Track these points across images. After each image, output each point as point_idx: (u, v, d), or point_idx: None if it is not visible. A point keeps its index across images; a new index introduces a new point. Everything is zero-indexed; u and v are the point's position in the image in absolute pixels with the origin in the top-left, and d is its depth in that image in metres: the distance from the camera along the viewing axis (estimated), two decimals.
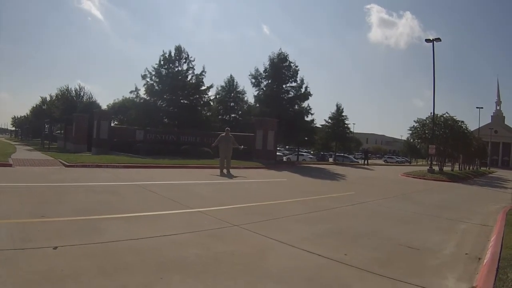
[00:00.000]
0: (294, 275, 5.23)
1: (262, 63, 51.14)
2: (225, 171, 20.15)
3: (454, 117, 35.83)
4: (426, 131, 34.99)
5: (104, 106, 54.31)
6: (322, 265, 5.75)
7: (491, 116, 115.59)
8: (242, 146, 21.67)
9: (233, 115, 50.03)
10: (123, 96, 58.60)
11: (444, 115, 35.80)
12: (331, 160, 59.74)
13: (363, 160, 59.12)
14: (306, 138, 43.53)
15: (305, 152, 64.24)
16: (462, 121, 36.30)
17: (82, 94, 55.03)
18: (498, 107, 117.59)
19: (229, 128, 22.43)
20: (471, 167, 53.45)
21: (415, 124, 36.44)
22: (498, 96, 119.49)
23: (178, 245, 6.30)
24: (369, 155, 64.11)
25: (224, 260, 5.67)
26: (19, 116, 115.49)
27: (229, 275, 5.07)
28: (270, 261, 5.78)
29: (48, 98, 65.97)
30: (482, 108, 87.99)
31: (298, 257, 6.10)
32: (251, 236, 7.27)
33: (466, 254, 6.83)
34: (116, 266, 5.05)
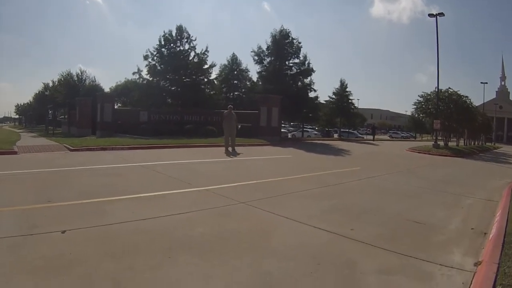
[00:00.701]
0: (300, 251, 5.25)
1: (263, 41, 50.78)
2: (230, 149, 20.17)
3: (458, 92, 35.63)
4: (430, 106, 34.80)
5: (106, 89, 54.33)
6: (328, 241, 5.78)
7: (496, 91, 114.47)
8: (240, 126, 21.59)
9: (236, 93, 50.06)
10: (125, 78, 58.60)
11: (448, 90, 35.59)
12: (336, 136, 59.68)
13: (371, 136, 59.20)
14: (310, 115, 43.43)
15: (310, 128, 64.11)
16: (467, 96, 36.01)
17: (84, 78, 55.05)
18: (503, 83, 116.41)
19: (232, 106, 22.43)
20: (476, 143, 53.22)
21: (420, 99, 36.20)
22: (503, 71, 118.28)
23: (185, 224, 6.34)
24: (375, 130, 64.13)
25: (230, 238, 5.71)
26: (22, 104, 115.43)
27: (236, 253, 5.11)
28: (276, 238, 5.81)
29: (51, 84, 66.01)
30: (486, 83, 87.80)
31: (304, 233, 6.13)
32: (257, 213, 7.31)
33: (472, 229, 6.83)
34: (124, 248, 5.10)
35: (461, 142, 44.45)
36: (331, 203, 8.46)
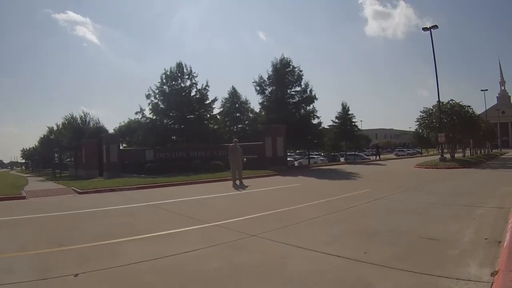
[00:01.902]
0: (316, 279, 5.24)
1: (262, 70, 51.75)
2: (237, 182, 20.18)
3: (460, 103, 35.73)
4: (434, 120, 34.87)
5: (111, 130, 54.63)
6: (343, 266, 5.76)
7: (497, 97, 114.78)
8: (245, 159, 21.70)
9: (240, 126, 50.22)
10: (128, 118, 58.98)
11: (450, 102, 35.70)
12: (342, 160, 59.69)
13: (375, 156, 59.33)
14: (315, 141, 43.56)
15: (316, 154, 64.17)
16: (469, 106, 36.25)
17: (88, 120, 55.55)
18: (502, 87, 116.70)
19: (236, 139, 22.60)
20: (482, 151, 53.19)
21: (422, 114, 36.34)
22: (502, 76, 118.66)
23: (198, 260, 6.33)
24: (380, 150, 64.28)
25: (244, 271, 5.70)
26: (28, 148, 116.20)
27: (251, 285, 5.11)
28: (290, 268, 5.80)
29: (55, 128, 66.75)
30: (486, 90, 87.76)
31: (318, 260, 6.11)
32: (269, 245, 7.29)
33: (485, 239, 6.79)
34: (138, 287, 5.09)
35: (467, 152, 44.36)
36: (343, 228, 8.44)
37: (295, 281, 5.17)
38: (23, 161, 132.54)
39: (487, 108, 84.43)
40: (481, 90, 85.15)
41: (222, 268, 5.85)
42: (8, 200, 15.43)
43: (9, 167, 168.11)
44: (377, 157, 57.92)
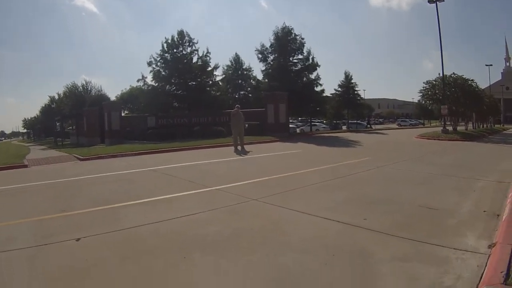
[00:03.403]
0: (314, 243, 5.29)
1: (264, 39, 51.24)
2: (239, 147, 20.21)
3: (463, 76, 35.48)
4: (437, 92, 34.69)
5: (112, 98, 54.06)
6: (342, 232, 5.82)
7: (501, 73, 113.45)
8: (247, 125, 21.58)
9: (242, 93, 50.17)
10: (130, 85, 58.95)
11: (453, 75, 35.44)
12: (344, 128, 59.69)
13: (367, 125, 60.51)
14: (317, 109, 43.50)
15: (318, 122, 64.08)
16: (472, 80, 35.89)
17: (90, 89, 55.20)
18: (507, 64, 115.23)
19: (239, 105, 22.49)
20: (485, 125, 53.05)
21: (425, 86, 36.10)
22: (507, 52, 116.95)
23: (198, 224, 6.39)
24: (371, 120, 65.84)
25: (244, 235, 5.76)
26: (29, 118, 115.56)
27: (250, 249, 5.16)
28: (289, 232, 5.85)
29: (57, 97, 66.29)
30: (491, 65, 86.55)
31: (317, 225, 6.17)
32: (269, 209, 7.34)
33: (484, 211, 6.81)
34: (139, 251, 5.17)
35: (470, 126, 44.23)
36: (343, 194, 8.46)
37: (294, 245, 5.22)
38: (25, 131, 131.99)
39: (491, 84, 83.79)
40: (486, 65, 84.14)
41: (222, 232, 5.91)
42: (11, 169, 15.41)
43: (10, 138, 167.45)
44: (369, 125, 59.02)
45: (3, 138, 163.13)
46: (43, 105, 79.88)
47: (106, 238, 5.77)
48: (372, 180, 10.54)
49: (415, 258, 4.65)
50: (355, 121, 63.55)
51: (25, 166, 16.26)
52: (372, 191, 8.86)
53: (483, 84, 75.22)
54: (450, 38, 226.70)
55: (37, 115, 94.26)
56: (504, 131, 49.92)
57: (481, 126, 49.47)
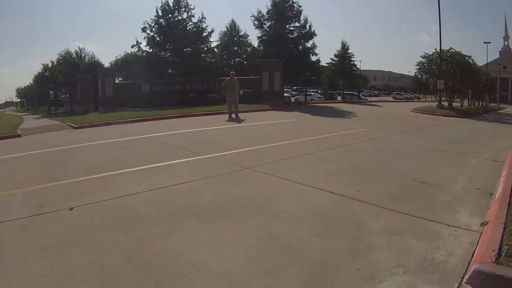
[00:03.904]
0: (308, 213, 5.32)
1: (260, 5, 50.82)
2: (233, 115, 20.08)
3: (461, 52, 35.32)
4: (433, 66, 34.56)
5: (106, 64, 53.54)
6: (335, 202, 5.84)
7: (499, 51, 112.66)
8: (241, 92, 21.37)
9: (237, 60, 49.98)
10: (124, 52, 58.25)
11: (450, 50, 35.28)
12: (339, 98, 59.62)
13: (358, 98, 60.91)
14: (313, 78, 43.34)
15: (313, 92, 63.91)
16: (469, 56, 35.66)
17: (83, 55, 54.72)
18: (506, 43, 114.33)
19: (234, 72, 22.20)
20: (480, 103, 53.01)
21: (422, 60, 35.92)
22: (506, 31, 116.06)
23: (191, 192, 6.42)
24: (362, 92, 66.93)
25: (237, 203, 5.77)
26: (22, 87, 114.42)
27: (244, 217, 5.18)
28: (283, 201, 5.87)
29: (50, 65, 65.72)
30: (489, 43, 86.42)
31: (311, 195, 6.19)
32: (263, 178, 7.36)
33: (477, 189, 6.83)
34: (132, 220, 5.19)
35: (465, 103, 44.24)
36: (337, 165, 8.51)
37: (287, 215, 5.25)
38: (19, 100, 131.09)
39: (488, 62, 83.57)
40: (484, 43, 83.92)
41: (215, 200, 5.93)
42: (4, 139, 15.26)
43: (4, 108, 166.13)
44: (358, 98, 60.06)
45: None
46: (37, 73, 79.26)
47: (99, 207, 5.78)
48: (366, 151, 10.54)
49: (408, 232, 4.68)
50: (350, 92, 63.42)
51: (18, 135, 16.19)
52: (366, 163, 8.90)
53: (480, 61, 74.75)
54: (449, 14, 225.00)
55: (31, 84, 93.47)
56: (499, 110, 49.95)
57: (476, 103, 49.36)
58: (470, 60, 35.51)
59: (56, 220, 5.28)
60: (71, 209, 5.67)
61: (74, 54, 54.95)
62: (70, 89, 46.68)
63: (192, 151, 10.21)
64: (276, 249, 4.23)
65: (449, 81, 34.34)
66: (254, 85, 32.30)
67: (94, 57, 54.28)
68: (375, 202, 5.79)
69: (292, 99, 49.48)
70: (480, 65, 45.05)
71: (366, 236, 4.57)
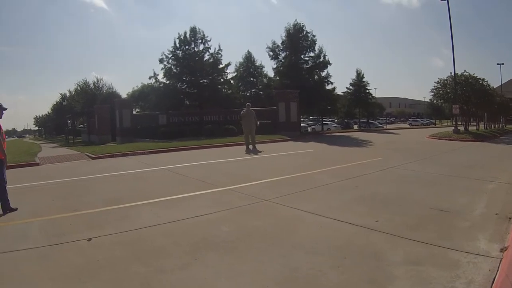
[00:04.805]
0: (326, 244, 5.32)
1: (275, 35, 51.64)
2: (250, 146, 20.24)
3: (474, 75, 35.23)
4: (448, 91, 34.48)
5: (123, 95, 54.06)
6: (354, 233, 5.84)
7: None
8: (259, 123, 21.48)
9: (253, 90, 50.28)
10: (141, 83, 58.98)
11: (464, 74, 35.21)
12: (355, 127, 59.60)
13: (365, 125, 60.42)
14: (328, 107, 43.45)
15: (329, 121, 64.06)
16: (483, 79, 35.49)
17: (101, 86, 55.37)
18: None
19: (249, 103, 22.36)
20: (496, 125, 52.57)
21: (437, 85, 35.88)
22: None
23: (210, 224, 6.45)
24: (377, 121, 66.98)
25: (256, 235, 5.80)
26: (40, 115, 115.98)
27: (262, 250, 5.20)
28: (301, 233, 5.88)
29: (68, 94, 66.74)
30: (503, 64, 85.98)
31: (329, 226, 6.19)
32: (281, 209, 7.38)
33: (496, 214, 6.79)
34: (151, 251, 5.23)
35: (481, 126, 43.93)
36: (355, 195, 8.50)
37: (306, 247, 5.25)
38: (36, 128, 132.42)
39: (503, 83, 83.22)
40: (497, 64, 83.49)
41: (233, 232, 5.96)
42: (22, 167, 15.55)
43: (22, 136, 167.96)
44: (367, 126, 59.27)
45: (15, 136, 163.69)
46: (55, 103, 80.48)
47: (118, 238, 5.85)
48: (384, 180, 10.52)
49: (427, 262, 4.66)
50: (366, 120, 63.38)
51: (37, 164, 16.37)
52: (384, 192, 8.85)
53: (494, 83, 74.56)
54: (461, 35, 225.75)
55: (48, 113, 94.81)
56: None
57: (492, 126, 48.96)
58: (484, 83, 35.37)
59: (75, 251, 5.35)
60: (89, 239, 5.75)
61: (92, 85, 55.60)
62: (88, 119, 47.33)
63: (210, 183, 10.29)
64: (295, 282, 4.24)
65: (464, 105, 34.22)
66: (271, 115, 32.58)
67: (112, 88, 54.81)
68: (394, 232, 5.78)
69: (309, 129, 49.60)
70: (494, 87, 44.81)
71: (385, 267, 4.57)
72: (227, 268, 4.62)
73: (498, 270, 4.32)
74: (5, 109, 7.89)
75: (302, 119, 45.17)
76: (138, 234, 5.99)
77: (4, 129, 7.92)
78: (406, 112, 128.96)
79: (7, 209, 7.74)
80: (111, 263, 4.85)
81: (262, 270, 4.57)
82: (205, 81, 40.74)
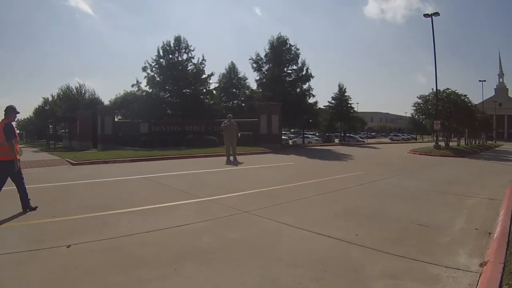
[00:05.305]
0: (306, 257, 5.28)
1: (258, 48, 51.94)
2: (231, 158, 20.20)
3: (456, 91, 35.66)
4: (430, 107, 34.84)
5: (106, 102, 53.87)
6: (334, 247, 5.81)
7: (495, 89, 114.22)
8: (239, 134, 21.41)
9: (235, 102, 50.27)
10: (124, 90, 58.64)
11: (446, 90, 35.63)
12: (337, 141, 59.90)
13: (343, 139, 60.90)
14: (310, 120, 43.67)
15: (311, 134, 64.33)
16: (465, 95, 36.07)
17: (83, 92, 55.14)
18: (501, 80, 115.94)
19: (231, 115, 22.37)
20: (477, 141, 53.19)
21: (418, 101, 36.26)
22: (501, 68, 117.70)
23: (190, 234, 6.38)
24: (358, 135, 69.10)
25: (236, 247, 5.74)
26: (22, 119, 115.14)
27: (242, 261, 5.15)
28: (281, 246, 5.84)
29: (50, 99, 66.27)
30: (485, 81, 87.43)
31: (309, 239, 6.16)
32: (261, 221, 7.33)
33: (476, 229, 6.84)
34: (130, 260, 5.14)
35: (462, 142, 44.44)
36: (335, 209, 8.48)
37: (286, 259, 5.21)
38: (18, 131, 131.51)
39: (484, 99, 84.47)
40: (479, 81, 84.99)
41: (213, 244, 5.89)
42: None
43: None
44: (348, 140, 59.69)
45: None
46: (37, 107, 79.89)
47: (97, 245, 5.75)
48: (364, 194, 10.54)
49: (407, 276, 4.66)
50: (348, 134, 63.82)
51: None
52: (364, 206, 8.87)
53: (476, 99, 75.54)
54: (444, 52, 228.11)
55: (30, 116, 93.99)
56: (496, 148, 50.11)
57: (473, 142, 49.55)
58: (466, 99, 35.83)
59: (53, 257, 5.25)
60: (68, 246, 5.65)
61: (75, 90, 55.34)
62: (70, 124, 47.15)
63: (190, 193, 10.22)
64: None
65: (446, 121, 34.59)
66: (252, 127, 32.64)
67: (94, 94, 54.74)
68: (374, 246, 5.76)
69: (290, 142, 49.80)
70: (476, 103, 45.40)
71: (364, 280, 4.54)
72: (206, 279, 4.57)
73: (477, 285, 4.34)
74: (18, 112, 8.52)
75: (283, 132, 45.22)
76: (118, 243, 5.90)
77: None
78: (387, 127, 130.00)
79: (28, 207, 8.07)
80: (89, 271, 4.76)
81: (242, 281, 4.52)
82: (188, 90, 40.69)
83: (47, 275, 4.59)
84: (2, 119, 8.25)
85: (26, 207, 8.04)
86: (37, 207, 8.14)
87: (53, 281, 4.45)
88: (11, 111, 8.33)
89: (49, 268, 4.81)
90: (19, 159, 8.23)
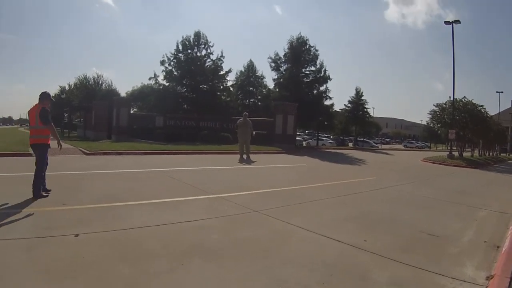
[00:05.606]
0: (314, 260, 5.29)
1: (277, 46, 51.48)
2: (244, 156, 20.24)
3: (473, 101, 35.31)
4: (446, 116, 34.56)
5: (123, 94, 54.11)
6: (342, 251, 5.82)
7: (511, 100, 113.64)
8: (254, 133, 21.36)
9: (252, 100, 50.20)
10: (141, 83, 58.87)
11: (463, 99, 35.31)
12: (350, 144, 59.67)
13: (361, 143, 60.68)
14: (325, 123, 43.54)
15: (325, 136, 64.19)
16: (482, 106, 35.58)
17: (100, 82, 55.35)
18: None
19: (247, 113, 22.44)
20: (490, 153, 52.69)
21: (435, 109, 35.97)
22: None
23: (199, 231, 6.42)
24: (372, 141, 68.26)
25: (244, 245, 5.78)
26: None
27: (250, 260, 5.18)
28: (289, 247, 5.86)
29: (67, 88, 66.60)
30: (502, 92, 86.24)
31: (317, 242, 6.17)
32: (270, 222, 7.35)
33: (485, 242, 6.81)
34: (138, 253, 5.20)
35: (476, 153, 44.07)
36: (346, 213, 8.48)
37: (293, 261, 5.23)
38: None
39: (500, 111, 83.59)
40: (497, 92, 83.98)
41: (222, 241, 5.94)
42: (15, 156, 15.54)
43: (19, 124, 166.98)
44: (362, 145, 59.50)
45: (8, 124, 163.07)
46: (53, 95, 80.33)
47: (106, 236, 5.82)
48: (376, 200, 10.54)
49: (413, 284, 4.67)
50: (362, 139, 63.47)
51: (30, 155, 16.20)
52: (374, 212, 8.87)
53: (492, 110, 74.84)
54: (463, 60, 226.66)
55: None
56: (509, 161, 49.57)
57: (487, 153, 49.07)
58: (482, 110, 35.46)
59: (61, 245, 5.32)
60: (77, 235, 5.71)
61: (92, 80, 55.62)
62: (85, 114, 47.11)
63: (203, 189, 10.27)
64: None
65: (461, 131, 34.32)
66: (267, 127, 32.65)
67: (111, 85, 54.91)
68: (382, 253, 5.76)
69: (304, 143, 49.61)
70: (492, 114, 44.94)
71: (370, 287, 4.56)
72: (213, 276, 4.60)
73: None
74: (53, 100, 9.17)
75: (298, 133, 45.12)
76: (127, 234, 5.96)
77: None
78: (402, 134, 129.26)
79: (39, 195, 8.23)
80: (96, 261, 4.81)
81: (248, 281, 4.54)
82: (205, 86, 40.62)
83: (53, 262, 4.66)
84: (37, 104, 8.77)
85: (38, 194, 8.23)
86: (48, 195, 8.35)
87: (59, 268, 4.51)
88: (46, 97, 8.97)
89: (56, 256, 4.88)
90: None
